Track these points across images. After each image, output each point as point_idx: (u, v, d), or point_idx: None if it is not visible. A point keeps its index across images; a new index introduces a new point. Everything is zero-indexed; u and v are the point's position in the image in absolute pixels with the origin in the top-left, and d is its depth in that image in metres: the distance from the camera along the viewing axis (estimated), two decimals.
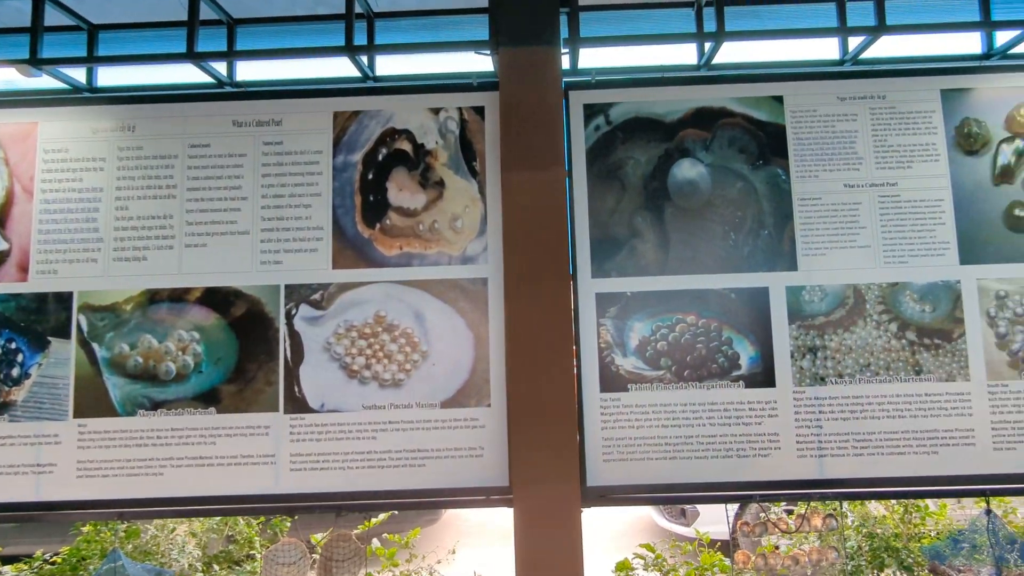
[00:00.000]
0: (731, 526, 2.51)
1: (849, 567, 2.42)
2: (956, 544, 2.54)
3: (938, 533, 2.73)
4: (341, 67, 2.76)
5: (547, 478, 2.30)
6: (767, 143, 2.59)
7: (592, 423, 2.45)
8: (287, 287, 2.47)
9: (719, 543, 2.84)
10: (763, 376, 2.48)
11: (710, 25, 2.64)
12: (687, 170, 2.56)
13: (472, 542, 5.27)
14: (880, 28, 2.54)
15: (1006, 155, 2.57)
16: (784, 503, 2.77)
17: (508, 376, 2.39)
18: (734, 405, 2.47)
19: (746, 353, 2.48)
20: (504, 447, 2.39)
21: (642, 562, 2.69)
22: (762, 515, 2.45)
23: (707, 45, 2.65)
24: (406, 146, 2.53)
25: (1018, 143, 2.58)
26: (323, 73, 2.78)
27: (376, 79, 2.77)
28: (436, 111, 2.57)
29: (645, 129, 2.59)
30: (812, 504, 2.60)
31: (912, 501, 2.88)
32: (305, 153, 2.52)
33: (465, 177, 2.52)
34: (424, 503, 2.40)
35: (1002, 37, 2.70)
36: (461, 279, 2.46)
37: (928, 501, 2.96)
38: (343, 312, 2.45)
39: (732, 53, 2.80)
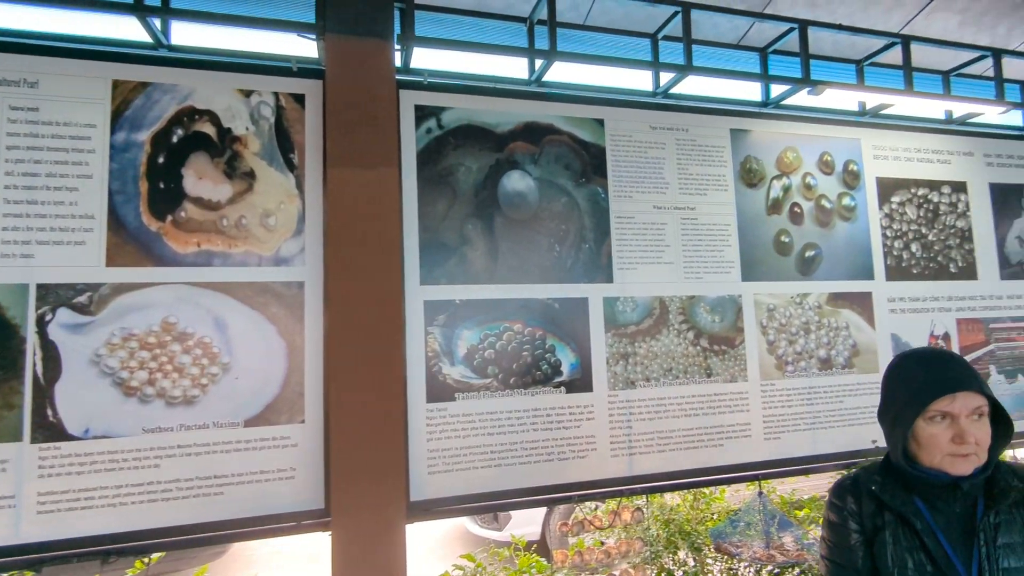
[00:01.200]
0: (551, 527, 2.62)
1: (647, 553, 2.68)
2: (734, 523, 2.94)
3: (720, 515, 3.15)
4: (127, 28, 2.36)
5: (370, 496, 2.18)
6: (590, 162, 2.78)
7: (417, 435, 2.39)
8: (39, 287, 2.02)
9: (534, 544, 2.97)
10: (582, 381, 2.64)
11: (542, 43, 2.76)
12: (517, 182, 2.64)
13: (268, 573, 4.86)
14: (687, 68, 2.88)
15: (776, 190, 3.08)
16: (598, 501, 2.97)
17: (328, 389, 2.23)
18: (556, 410, 2.59)
19: (567, 360, 2.62)
20: (320, 467, 2.22)
21: (461, 573, 2.68)
22: (578, 514, 2.59)
23: (538, 62, 2.76)
24: (208, 129, 2.24)
25: (785, 180, 3.10)
26: (102, 31, 2.34)
27: (171, 48, 2.42)
28: (247, 93, 2.31)
29: (477, 137, 2.62)
30: (623, 500, 2.83)
31: (701, 489, 3.30)
32: (71, 125, 2.09)
33: (280, 170, 2.31)
34: (219, 537, 2.12)
35: (776, 90, 3.23)
36: (273, 282, 2.24)
37: (713, 488, 3.41)
38: (119, 318, 2.07)
39: (562, 73, 2.96)
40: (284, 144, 2.32)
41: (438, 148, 2.54)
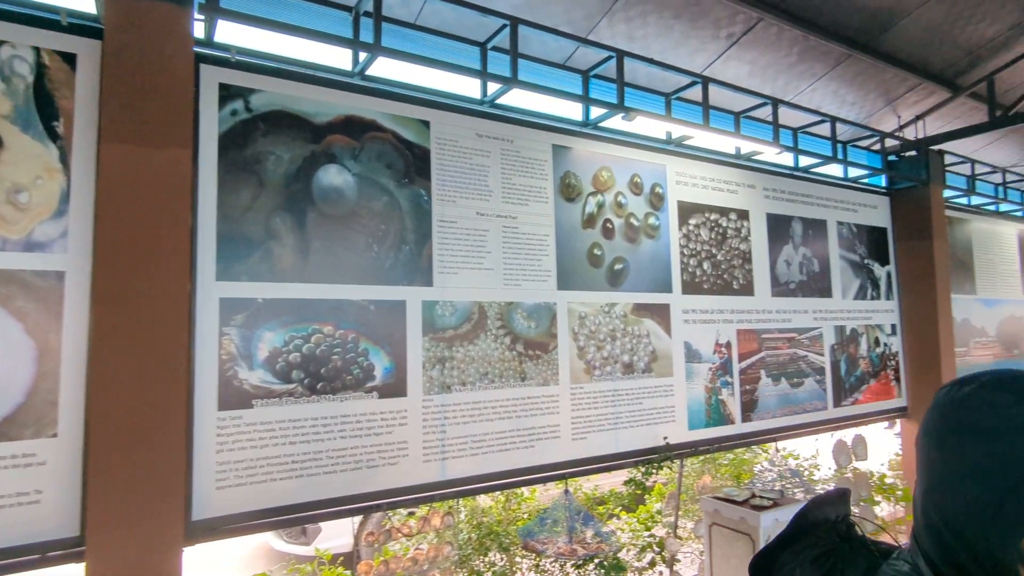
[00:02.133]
0: (355, 537, 2.58)
1: (456, 557, 2.76)
2: (543, 521, 3.15)
3: (530, 515, 3.36)
4: None
5: (138, 518, 1.98)
6: (414, 163, 2.81)
7: (205, 447, 2.22)
8: None
9: (342, 557, 2.92)
10: (396, 386, 2.65)
11: (368, 35, 2.73)
12: (334, 176, 2.58)
13: None
14: (514, 80, 3.04)
15: (592, 205, 3.37)
16: (408, 508, 2.99)
17: (90, 397, 1.98)
18: (367, 416, 2.56)
19: (381, 364, 2.61)
20: (76, 487, 1.96)
21: None
22: (385, 522, 2.59)
23: (363, 55, 2.73)
24: None
25: (599, 197, 3.40)
26: None
27: None
28: None
29: (291, 126, 2.52)
30: (434, 505, 2.88)
31: (514, 490, 3.48)
32: None
33: (40, 139, 2.01)
34: None
35: (596, 112, 3.53)
36: (22, 270, 1.94)
37: (525, 488, 3.62)
38: None
39: (388, 70, 2.95)
40: (46, 110, 2.03)
41: (245, 132, 2.40)
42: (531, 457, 3.02)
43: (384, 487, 2.59)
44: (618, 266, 3.40)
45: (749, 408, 3.88)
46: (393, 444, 2.62)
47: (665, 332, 3.54)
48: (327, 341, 2.49)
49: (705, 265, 3.79)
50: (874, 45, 4.26)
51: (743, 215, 4.05)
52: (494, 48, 3.14)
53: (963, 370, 5.50)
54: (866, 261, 4.85)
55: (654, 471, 3.39)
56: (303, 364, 2.43)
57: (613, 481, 3.93)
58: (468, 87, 3.17)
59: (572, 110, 3.54)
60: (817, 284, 4.44)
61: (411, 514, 3.11)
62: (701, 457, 4.16)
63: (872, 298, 4.84)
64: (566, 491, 3.13)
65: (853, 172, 4.87)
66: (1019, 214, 6.62)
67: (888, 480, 4.77)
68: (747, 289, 3.98)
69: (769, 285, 4.12)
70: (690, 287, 3.69)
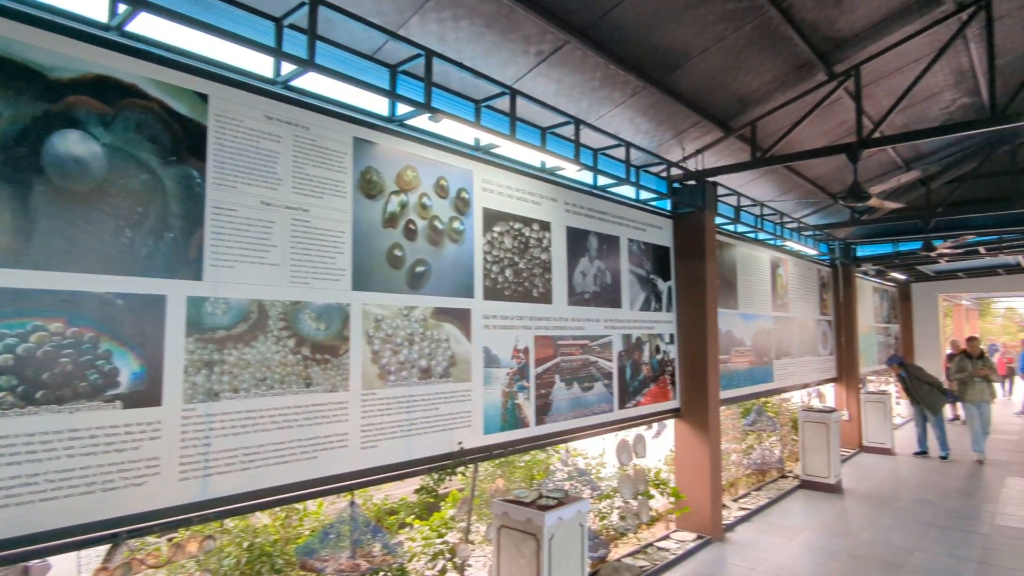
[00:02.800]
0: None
1: None
2: (326, 536, 3.01)
3: (314, 531, 3.20)
4: None
5: None
6: (185, 140, 2.52)
7: None
8: None
9: None
10: (147, 394, 2.34)
11: None
12: (75, 145, 2.21)
13: None
14: (310, 63, 2.88)
15: (394, 204, 3.32)
16: (162, 534, 2.67)
17: None
18: (105, 430, 2.22)
19: (129, 368, 2.29)
20: None
21: None
22: (126, 553, 2.27)
23: (122, 6, 2.39)
24: None
25: (403, 196, 3.37)
26: None
27: None
28: None
29: (18, 77, 2.11)
30: (193, 529, 2.59)
31: (293, 505, 3.29)
32: None
33: None
34: None
35: (403, 109, 3.50)
36: None
37: (311, 503, 3.44)
38: None
39: (163, 31, 2.62)
40: None
41: None
42: (314, 469, 2.87)
43: (128, 512, 2.27)
44: (420, 268, 3.40)
45: (543, 411, 4.12)
46: (140, 462, 2.31)
47: (465, 337, 3.62)
48: (54, 341, 2.11)
49: (507, 272, 3.95)
50: (665, 81, 4.84)
51: (545, 226, 4.31)
52: (291, 26, 2.95)
53: (725, 376, 6.46)
54: (651, 276, 5.47)
55: (448, 477, 3.43)
56: (17, 368, 2.03)
57: (407, 490, 3.91)
58: (260, 64, 2.94)
59: (378, 104, 3.47)
60: (609, 295, 4.88)
61: (171, 540, 2.77)
62: (497, 461, 4.32)
63: (655, 310, 5.46)
64: (352, 503, 3.02)
65: (644, 195, 5.46)
66: (772, 242, 7.98)
67: (663, 475, 5.40)
68: (546, 297, 4.24)
69: (566, 294, 4.43)
70: (492, 293, 3.82)
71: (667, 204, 5.89)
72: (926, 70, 5.00)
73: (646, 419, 5.24)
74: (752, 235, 7.50)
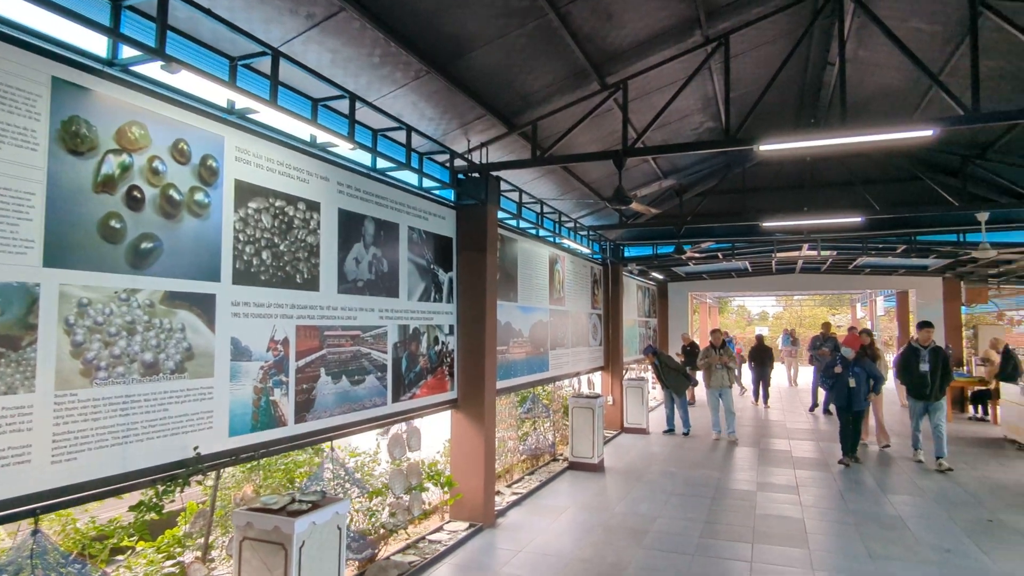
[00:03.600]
0: None
1: None
2: None
3: None
4: None
5: None
6: None
7: None
8: None
9: None
10: None
11: None
12: None
13: None
14: None
15: (112, 165, 2.79)
16: None
17: None
18: None
19: None
20: None
21: None
22: None
23: None
24: None
25: (125, 157, 2.84)
26: None
27: None
28: None
29: None
30: None
31: None
32: None
33: None
34: None
35: (128, 52, 2.96)
36: None
37: None
38: None
39: None
40: None
41: None
42: None
43: None
44: (146, 245, 2.91)
45: (305, 408, 3.84)
46: None
47: (207, 326, 3.20)
48: None
49: (265, 255, 3.60)
50: (450, 69, 4.83)
51: (313, 207, 4.02)
52: None
53: (504, 366, 6.74)
54: (432, 266, 5.46)
55: (179, 489, 3.00)
56: None
57: (123, 505, 3.35)
58: None
59: (95, 42, 2.88)
60: (385, 284, 4.75)
61: None
62: (248, 465, 3.94)
63: (435, 300, 5.47)
64: (35, 532, 2.47)
65: (427, 183, 5.43)
66: (551, 239, 8.56)
67: (438, 466, 5.43)
68: (312, 284, 3.96)
69: (336, 281, 4.19)
70: (244, 277, 3.44)
71: (451, 194, 5.93)
72: (679, 92, 5.72)
73: (422, 411, 5.22)
74: (533, 231, 7.94)
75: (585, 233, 9.87)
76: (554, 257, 8.59)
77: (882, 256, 12.19)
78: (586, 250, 9.49)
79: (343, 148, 4.19)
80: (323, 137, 4.07)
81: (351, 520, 4.53)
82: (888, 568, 4.84)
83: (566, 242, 8.77)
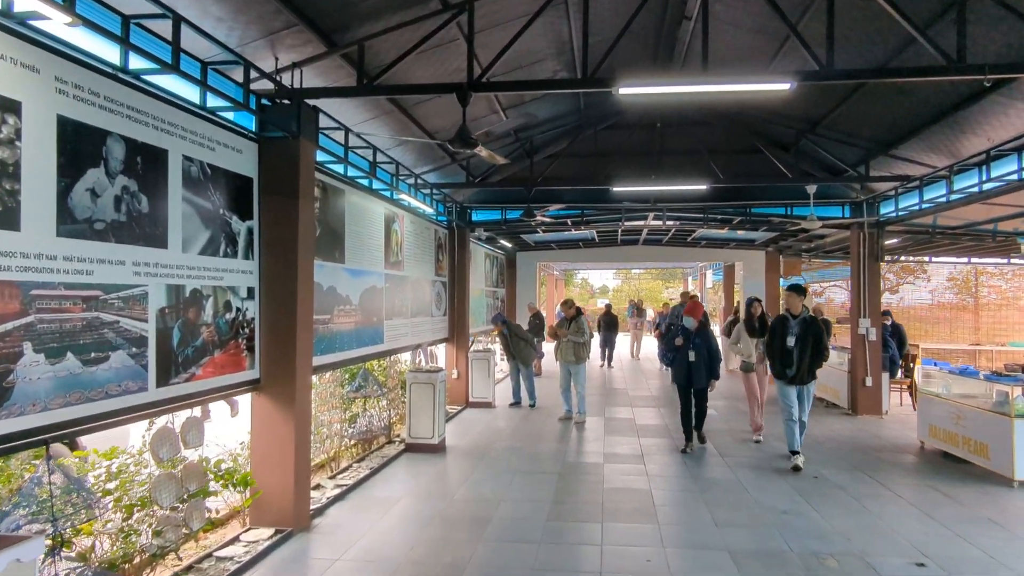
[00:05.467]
0: None
1: None
2: None
3: None
4: None
5: None
6: None
7: None
8: None
9: None
10: None
11: None
12: None
13: None
14: None
15: None
16: None
17: None
18: None
19: None
20: None
21: None
22: None
23: None
24: None
25: None
26: None
27: None
28: None
29: None
30: None
31: None
32: None
33: None
34: None
35: None
36: None
37: None
38: None
39: None
40: None
41: None
42: None
43: None
44: None
45: None
46: None
47: None
48: None
49: None
50: None
51: (10, 106, 2.76)
52: None
53: (327, 338, 5.77)
54: (223, 212, 4.33)
55: None
56: None
57: None
58: None
59: None
60: (145, 229, 3.57)
61: None
62: None
63: (227, 255, 4.35)
64: None
65: (215, 102, 4.25)
66: (387, 194, 7.61)
67: (225, 464, 4.37)
68: (5, 220, 2.73)
69: (54, 219, 2.98)
70: None
71: (251, 122, 4.78)
72: (531, 21, 5.05)
73: (207, 396, 4.13)
74: (365, 182, 6.95)
75: (429, 192, 9.03)
76: (392, 215, 7.67)
77: (719, 228, 12.80)
78: (429, 209, 8.66)
79: (58, 22, 2.93)
80: (26, 5, 2.78)
81: (89, 551, 3.38)
82: (734, 535, 4.74)
83: (406, 199, 7.86)
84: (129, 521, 3.61)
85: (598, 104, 9.08)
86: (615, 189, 8.93)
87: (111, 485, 3.69)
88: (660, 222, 12.41)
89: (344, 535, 4.76)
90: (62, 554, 2.98)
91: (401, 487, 6.05)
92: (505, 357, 10.72)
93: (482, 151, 5.40)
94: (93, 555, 3.38)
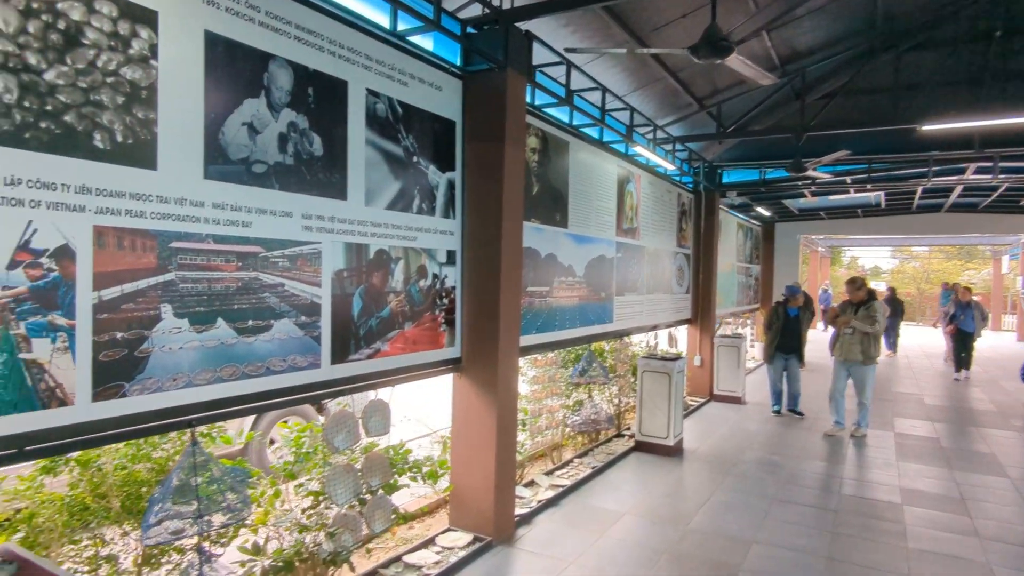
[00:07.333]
0: None
1: None
2: None
3: None
4: None
5: None
6: None
7: None
8: None
9: None
10: None
11: None
12: None
13: None
14: None
15: None
16: None
17: None
18: None
19: None
20: None
21: None
22: None
23: None
24: None
25: None
26: None
27: None
28: None
29: None
30: None
31: None
32: None
33: None
34: None
35: None
36: None
37: None
38: None
39: None
40: None
41: None
42: None
43: None
44: None
45: (119, 373, 2.18)
46: None
47: None
48: None
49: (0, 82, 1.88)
50: None
51: (143, 16, 2.24)
52: None
53: (544, 313, 4.88)
54: (417, 159, 3.61)
55: None
56: None
57: None
58: None
59: None
60: (318, 176, 2.96)
61: None
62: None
63: (421, 212, 3.64)
64: None
65: (405, 24, 3.51)
66: (621, 148, 6.42)
67: (414, 455, 3.68)
68: (131, 155, 2.22)
69: (200, 158, 2.44)
70: None
71: (455, 54, 3.99)
72: None
73: (394, 377, 3.49)
74: (594, 133, 5.85)
75: (671, 148, 7.59)
76: (626, 174, 6.47)
77: None
78: (671, 167, 7.24)
79: None
80: None
81: (264, 543, 2.91)
82: None
83: (643, 153, 6.57)
84: (301, 516, 3.09)
85: (903, 13, 6.66)
86: (925, 128, 6.44)
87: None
88: (987, 176, 9.12)
89: (551, 557, 3.82)
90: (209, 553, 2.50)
91: (625, 498, 4.93)
92: (767, 344, 8.23)
93: (739, 63, 3.88)
94: (264, 551, 2.92)
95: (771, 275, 14.63)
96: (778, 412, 8.11)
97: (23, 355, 1.93)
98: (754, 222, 13.54)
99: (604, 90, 5.55)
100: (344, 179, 3.10)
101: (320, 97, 2.96)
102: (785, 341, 7.95)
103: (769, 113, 8.35)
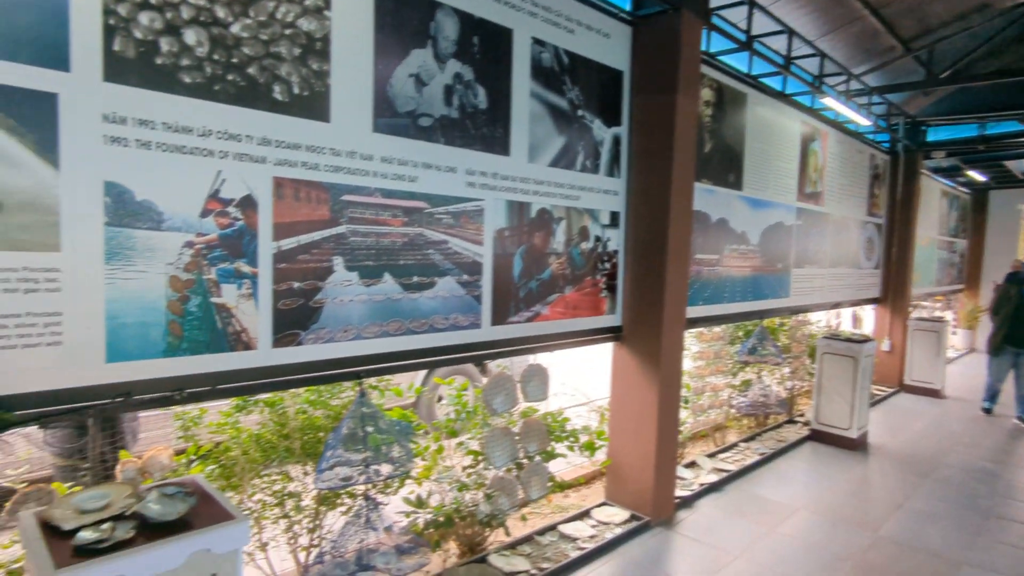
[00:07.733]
0: None
1: None
2: None
3: None
4: None
5: None
6: None
7: None
8: None
9: None
10: None
11: None
12: None
13: None
14: None
15: None
16: None
17: None
18: None
19: None
20: None
21: None
22: None
23: None
24: None
25: None
26: None
27: None
28: None
29: None
30: None
31: None
32: None
33: None
34: None
35: None
36: None
37: None
38: None
39: None
40: None
41: None
42: None
43: None
44: None
45: (295, 321, 2.24)
46: None
47: (37, 155, 1.69)
48: None
49: (193, 36, 1.94)
50: None
51: None
52: None
53: (713, 283, 4.45)
54: (582, 113, 3.36)
55: None
56: None
57: None
58: None
59: None
60: (482, 130, 2.84)
61: None
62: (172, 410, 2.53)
63: (585, 169, 3.40)
64: None
65: None
66: (806, 102, 5.63)
67: (571, 423, 3.52)
68: (311, 107, 2.23)
69: (370, 110, 2.41)
70: (135, 71, 1.84)
71: (626, 2, 3.65)
72: None
73: (553, 342, 3.33)
74: (776, 83, 5.17)
75: (866, 101, 6.55)
76: (811, 132, 5.69)
77: None
78: (865, 122, 6.24)
79: None
80: None
81: (428, 496, 2.94)
82: None
83: (833, 106, 5.71)
84: (462, 475, 3.08)
85: None
86: None
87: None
88: None
89: (713, 546, 3.49)
90: (377, 501, 2.54)
91: (800, 492, 4.40)
92: (993, 332, 6.65)
93: None
94: (427, 503, 2.95)
95: (981, 252, 12.36)
96: (989, 411, 6.83)
97: (214, 299, 2.03)
98: (962, 189, 11.49)
99: (791, 33, 4.84)
100: (507, 134, 2.95)
101: (485, 47, 2.82)
102: (1019, 330, 6.44)
103: (994, 55, 6.88)
